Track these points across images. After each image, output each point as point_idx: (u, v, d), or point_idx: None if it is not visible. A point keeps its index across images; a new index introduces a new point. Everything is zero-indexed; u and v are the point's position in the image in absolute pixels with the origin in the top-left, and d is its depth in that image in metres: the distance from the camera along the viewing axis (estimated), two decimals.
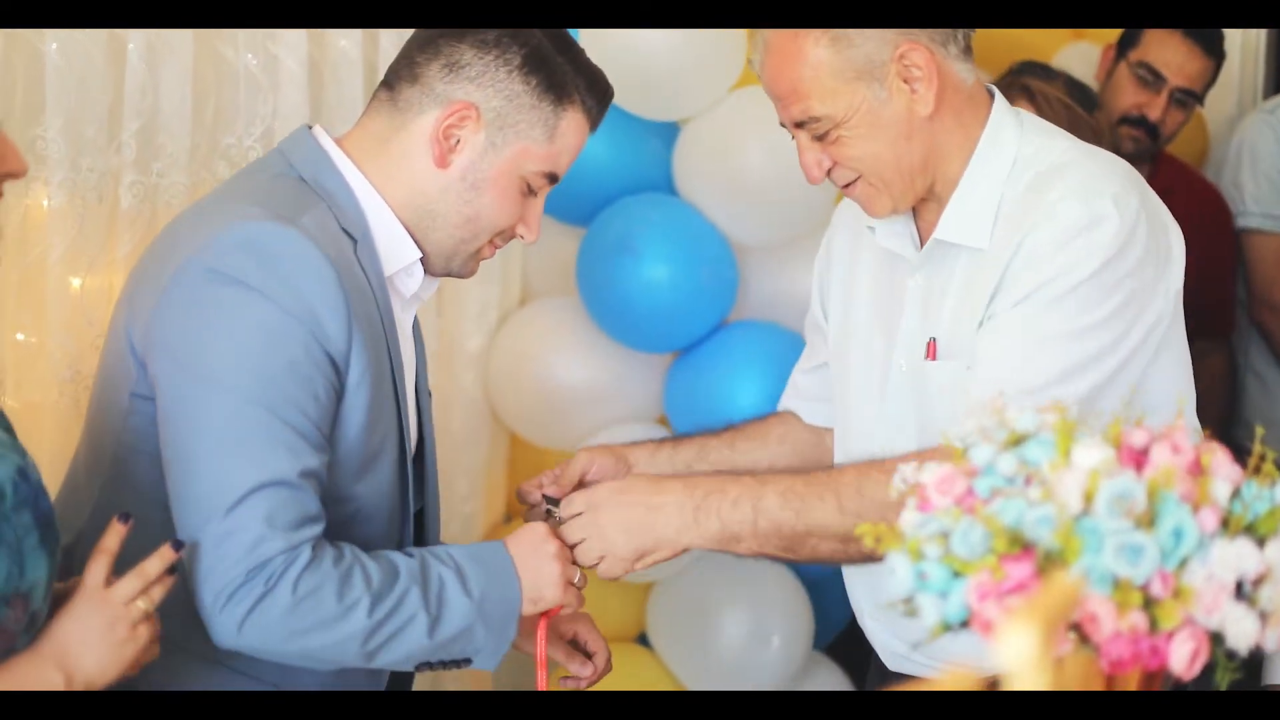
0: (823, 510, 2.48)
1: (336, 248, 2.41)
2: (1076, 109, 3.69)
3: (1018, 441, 1.91)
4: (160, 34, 2.98)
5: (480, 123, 2.51)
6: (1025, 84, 3.72)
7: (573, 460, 2.84)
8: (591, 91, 2.58)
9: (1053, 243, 2.43)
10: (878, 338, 2.72)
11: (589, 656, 2.78)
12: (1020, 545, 1.79)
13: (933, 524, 1.87)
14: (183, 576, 2.27)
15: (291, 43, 3.18)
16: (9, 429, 1.97)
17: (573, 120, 2.57)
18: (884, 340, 2.70)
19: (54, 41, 2.84)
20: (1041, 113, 3.61)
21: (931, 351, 2.60)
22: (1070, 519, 1.77)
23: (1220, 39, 4.35)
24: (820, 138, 2.53)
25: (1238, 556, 1.77)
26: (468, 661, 2.47)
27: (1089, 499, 1.78)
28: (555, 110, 2.54)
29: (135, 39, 2.95)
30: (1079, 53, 4.64)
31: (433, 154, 2.52)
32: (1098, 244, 2.41)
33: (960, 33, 2.52)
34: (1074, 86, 3.81)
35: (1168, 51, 4.22)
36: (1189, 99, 4.25)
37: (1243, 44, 5.09)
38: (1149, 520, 1.78)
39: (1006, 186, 2.53)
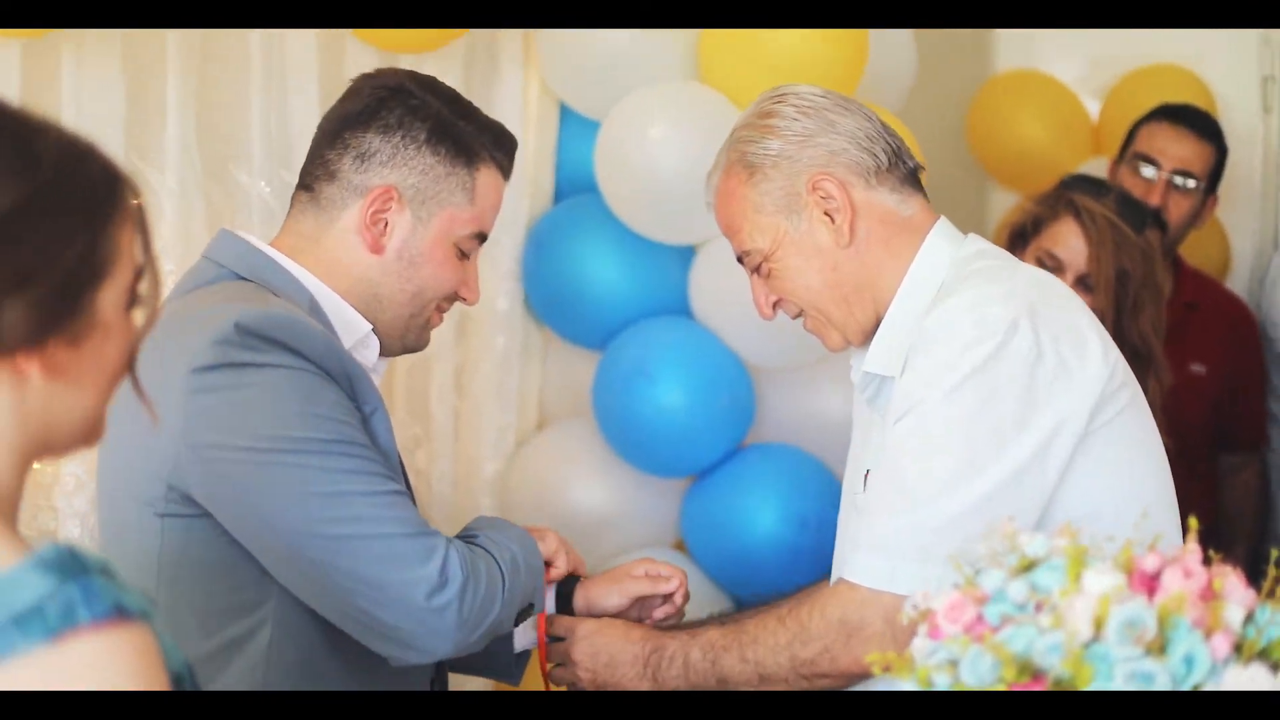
0: (729, 661, 2.56)
1: (302, 315, 2.50)
2: (1124, 228, 3.63)
3: (1028, 567, 1.89)
4: (177, 166, 3.01)
5: (403, 202, 2.60)
6: (1072, 200, 3.67)
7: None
8: (499, 146, 2.68)
9: (917, 362, 2.44)
10: (851, 465, 2.79)
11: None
12: (1030, 673, 1.76)
13: (941, 652, 1.84)
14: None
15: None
16: None
17: (488, 177, 2.66)
18: (852, 472, 2.78)
19: None
20: (1085, 229, 3.60)
21: (867, 481, 2.61)
22: (1080, 646, 1.75)
23: (1214, 123, 4.39)
24: (757, 270, 2.63)
25: (1251, 682, 1.74)
26: (530, 610, 2.67)
27: (1099, 625, 1.76)
28: (469, 172, 2.63)
29: (155, 177, 2.97)
30: (1097, 168, 4.62)
31: (365, 243, 2.60)
32: (952, 359, 2.39)
33: (891, 163, 2.58)
34: (1126, 204, 3.77)
35: (1158, 139, 4.25)
36: (1188, 180, 4.24)
37: (1264, 157, 5.09)
38: (1160, 647, 1.75)
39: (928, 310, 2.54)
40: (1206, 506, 4.25)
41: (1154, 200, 4.19)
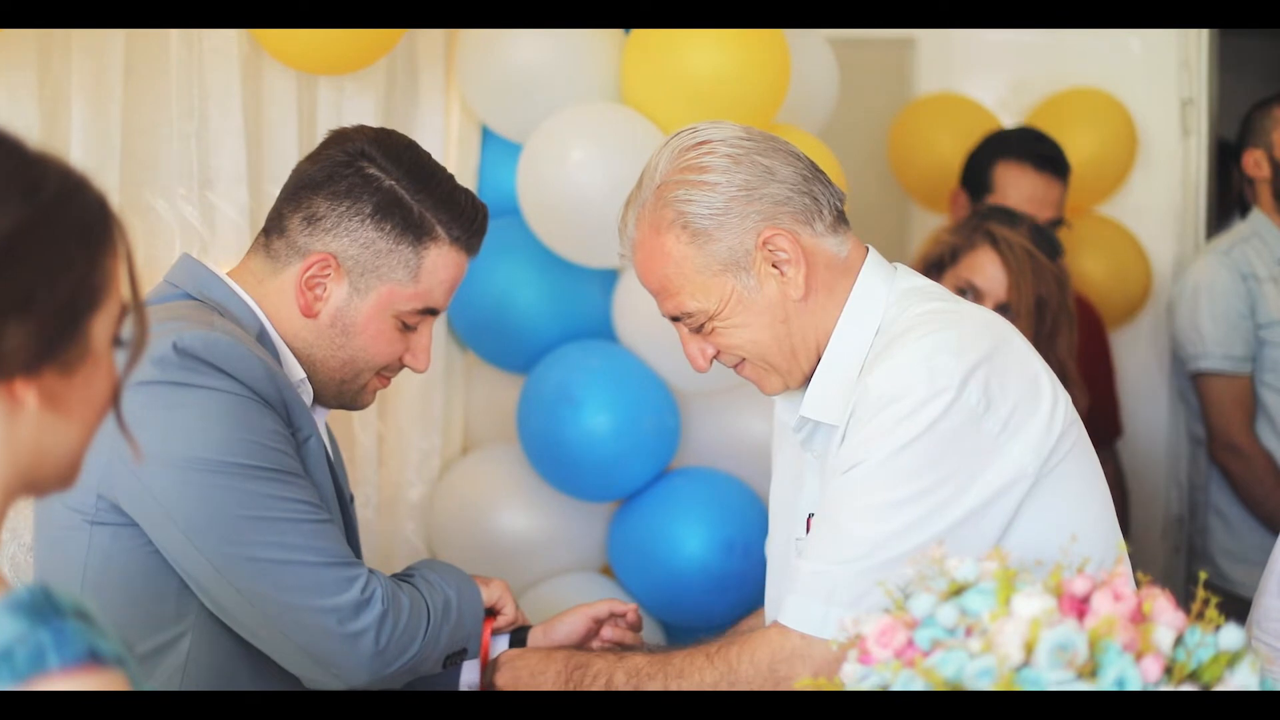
0: (652, 686, 2.55)
1: (246, 339, 2.51)
2: (1039, 255, 3.69)
3: (958, 591, 1.88)
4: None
5: (341, 272, 2.61)
6: (989, 229, 3.72)
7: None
8: (457, 223, 2.65)
9: (861, 419, 2.41)
10: (784, 507, 2.75)
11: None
12: None
13: (873, 677, 1.84)
14: None
15: (229, 190, 3.17)
16: None
17: (438, 256, 2.64)
18: (782, 511, 2.76)
19: None
20: (1004, 258, 3.63)
21: (809, 526, 2.59)
22: (1011, 670, 1.75)
23: (1062, 155, 4.42)
24: (698, 330, 2.56)
25: None
26: (463, 654, 2.71)
27: (1030, 649, 1.76)
28: (415, 250, 2.62)
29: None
30: None
31: (299, 305, 2.61)
32: (900, 417, 2.36)
33: (827, 205, 2.53)
34: (1038, 233, 3.81)
35: (1025, 190, 4.31)
36: (1056, 226, 4.26)
37: (1183, 180, 5.14)
38: (1091, 670, 1.75)
39: (868, 355, 2.50)
40: None
41: None
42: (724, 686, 2.47)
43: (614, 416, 3.47)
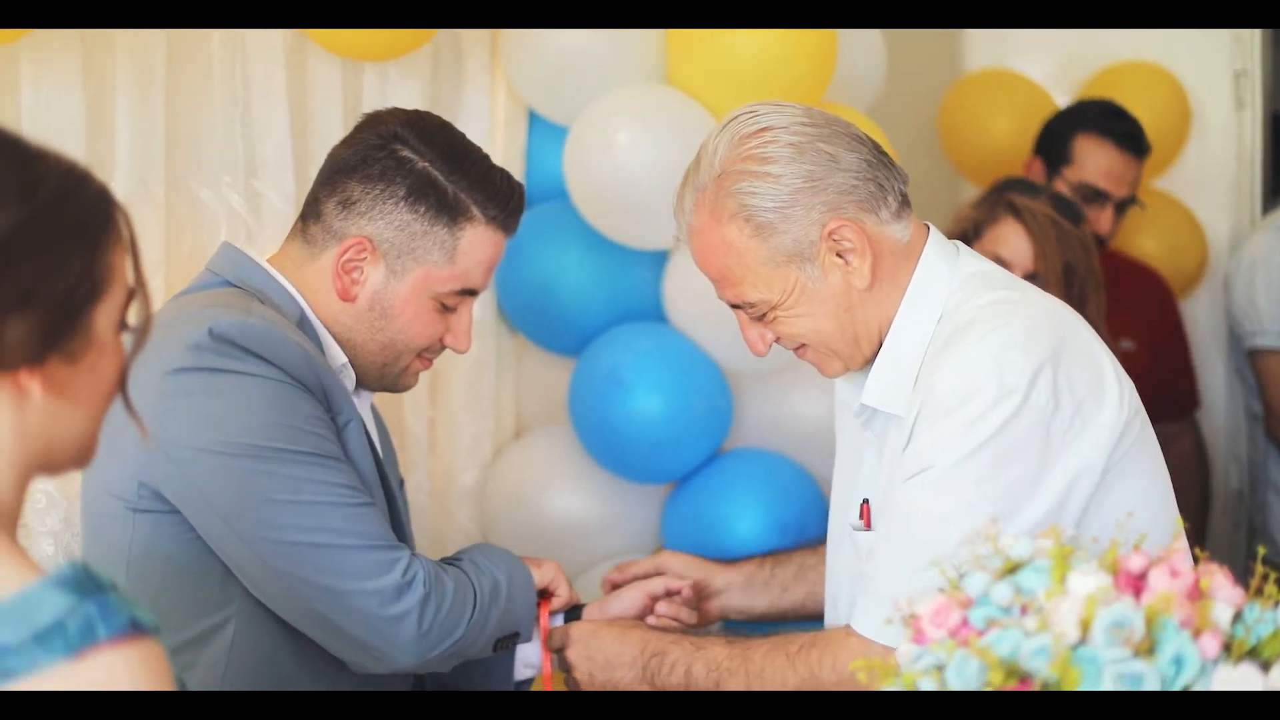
0: (732, 684, 2.56)
1: (285, 325, 2.53)
2: (1063, 223, 3.68)
3: (1012, 569, 1.87)
4: (136, 172, 2.99)
5: (377, 255, 2.61)
6: (1010, 200, 3.70)
7: (651, 559, 3.01)
8: (492, 202, 2.64)
9: (929, 420, 2.38)
10: (843, 487, 2.73)
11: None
12: (1017, 677, 1.74)
13: (928, 657, 1.82)
14: None
15: (275, 178, 3.18)
16: None
17: (474, 237, 2.64)
18: (842, 492, 2.72)
19: None
20: (1028, 228, 3.61)
21: (865, 515, 2.57)
22: (1067, 649, 1.73)
23: (1143, 134, 4.36)
24: (759, 318, 2.53)
25: (1242, 681, 1.71)
26: (515, 638, 2.72)
27: (1086, 627, 1.74)
28: (451, 232, 2.62)
29: (118, 182, 2.94)
30: None
31: (336, 289, 2.62)
32: (969, 421, 2.33)
33: (892, 190, 2.48)
34: (1059, 201, 3.80)
35: (1105, 165, 4.22)
36: (1130, 205, 4.24)
37: (1238, 153, 5.10)
38: (1149, 648, 1.73)
39: (931, 343, 2.47)
40: None
41: (1103, 229, 4.20)
42: (807, 689, 2.46)
43: (665, 399, 3.46)
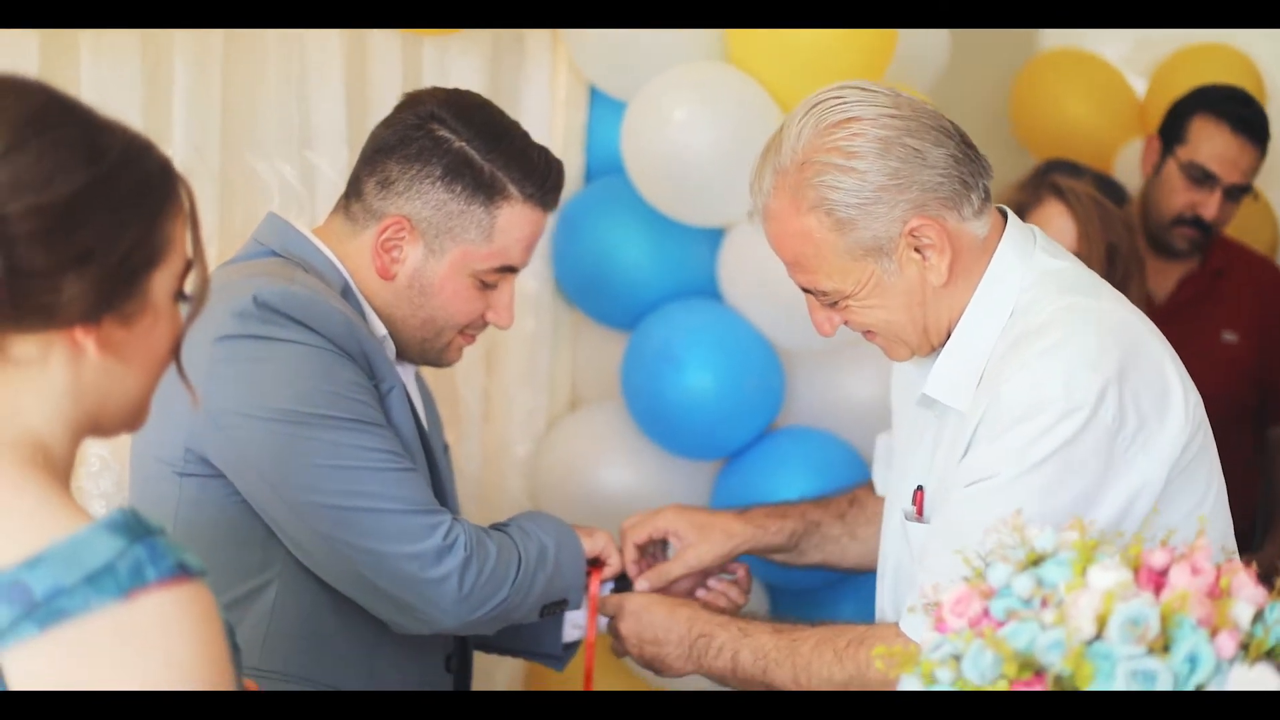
0: (779, 675, 2.56)
1: (328, 293, 2.57)
2: (1106, 204, 3.65)
3: (1036, 561, 1.87)
4: (193, 143, 3.02)
5: (415, 234, 2.65)
6: (1054, 182, 3.68)
7: (658, 515, 2.97)
8: (529, 179, 2.67)
9: (993, 429, 2.34)
10: (900, 465, 2.70)
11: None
12: (1032, 670, 1.75)
13: (946, 646, 1.83)
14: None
15: (327, 150, 3.20)
16: None
17: (512, 215, 2.67)
18: (900, 472, 2.69)
19: None
20: (1072, 209, 3.59)
21: (919, 503, 2.55)
22: (1081, 644, 1.73)
23: (1265, 123, 4.28)
24: (831, 305, 2.50)
25: (1257, 681, 1.71)
26: (564, 604, 2.76)
27: (1102, 623, 1.74)
28: (488, 210, 2.65)
29: (175, 153, 2.97)
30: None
31: (376, 267, 2.66)
32: (1034, 435, 2.29)
33: (977, 186, 2.43)
34: (1102, 182, 3.80)
35: (1218, 148, 4.16)
36: (1240, 192, 4.19)
37: None
38: (1164, 645, 1.73)
39: (1000, 340, 2.43)
40: (1249, 481, 4.22)
41: (1209, 214, 4.15)
42: (854, 687, 2.46)
43: (716, 376, 3.47)
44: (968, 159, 2.43)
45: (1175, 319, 3.80)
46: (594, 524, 3.39)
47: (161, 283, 1.71)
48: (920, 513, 2.55)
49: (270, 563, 2.57)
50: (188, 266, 1.75)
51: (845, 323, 2.53)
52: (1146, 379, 2.35)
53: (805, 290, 2.52)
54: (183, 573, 1.58)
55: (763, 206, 2.48)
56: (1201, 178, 4.13)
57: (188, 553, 1.61)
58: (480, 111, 2.69)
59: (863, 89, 2.44)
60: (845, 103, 2.42)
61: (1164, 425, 2.34)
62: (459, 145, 2.64)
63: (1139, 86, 5.04)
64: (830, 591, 3.50)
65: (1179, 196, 4.15)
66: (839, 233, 2.40)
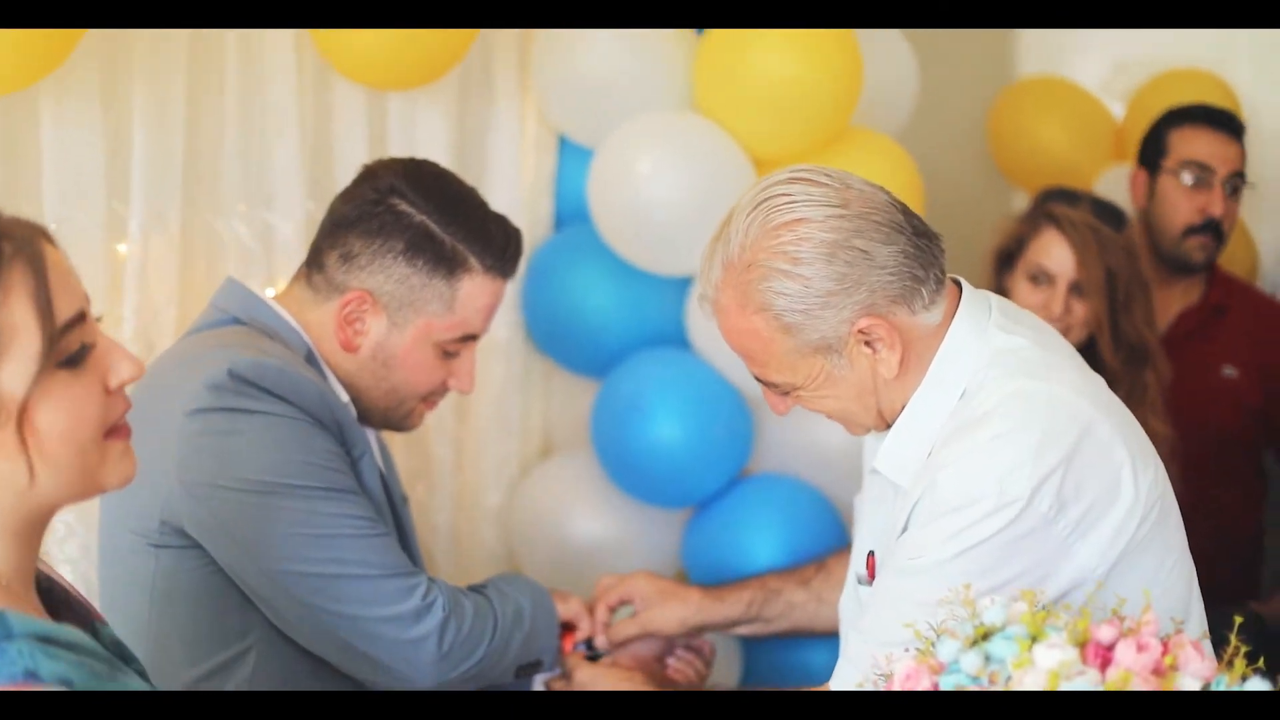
0: None
1: (298, 362, 2.60)
2: (1103, 229, 3.67)
3: (985, 635, 1.87)
4: (155, 207, 3.01)
5: (378, 307, 2.68)
6: (1050, 211, 3.70)
7: (628, 579, 3.05)
8: (489, 251, 2.70)
9: (926, 515, 2.33)
10: (859, 532, 2.72)
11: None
12: None
13: None
14: None
15: (287, 209, 3.20)
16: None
17: (472, 286, 2.70)
18: (860, 533, 2.71)
19: (52, 222, 2.85)
20: (1068, 237, 3.61)
21: (870, 567, 2.56)
22: None
23: (1237, 118, 4.31)
24: (783, 395, 2.50)
25: None
26: (538, 666, 2.78)
27: None
28: (449, 283, 2.68)
29: (134, 215, 2.97)
30: (1121, 174, 4.56)
31: (339, 340, 2.68)
32: (961, 527, 2.27)
33: (929, 277, 2.39)
34: (1100, 207, 3.79)
35: (1202, 145, 4.17)
36: (1238, 183, 4.18)
37: None
38: None
39: (950, 420, 2.40)
40: (1248, 518, 4.21)
41: (1216, 210, 4.14)
42: None
43: (684, 425, 3.47)
44: (919, 250, 2.39)
45: (1174, 353, 3.82)
46: (567, 570, 3.43)
47: (11, 374, 1.66)
48: (871, 576, 2.55)
49: (248, 630, 2.59)
50: (58, 330, 1.69)
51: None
52: (1092, 466, 2.31)
53: (757, 380, 2.52)
54: (27, 680, 1.56)
55: (712, 302, 2.47)
56: (1198, 173, 4.13)
57: (58, 661, 1.58)
58: (438, 183, 2.71)
59: (812, 182, 2.39)
60: (793, 201, 2.38)
61: (1110, 510, 2.32)
62: (420, 219, 2.66)
63: (1117, 111, 5.03)
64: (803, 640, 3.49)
65: (1182, 205, 4.15)
66: (786, 334, 2.38)
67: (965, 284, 2.51)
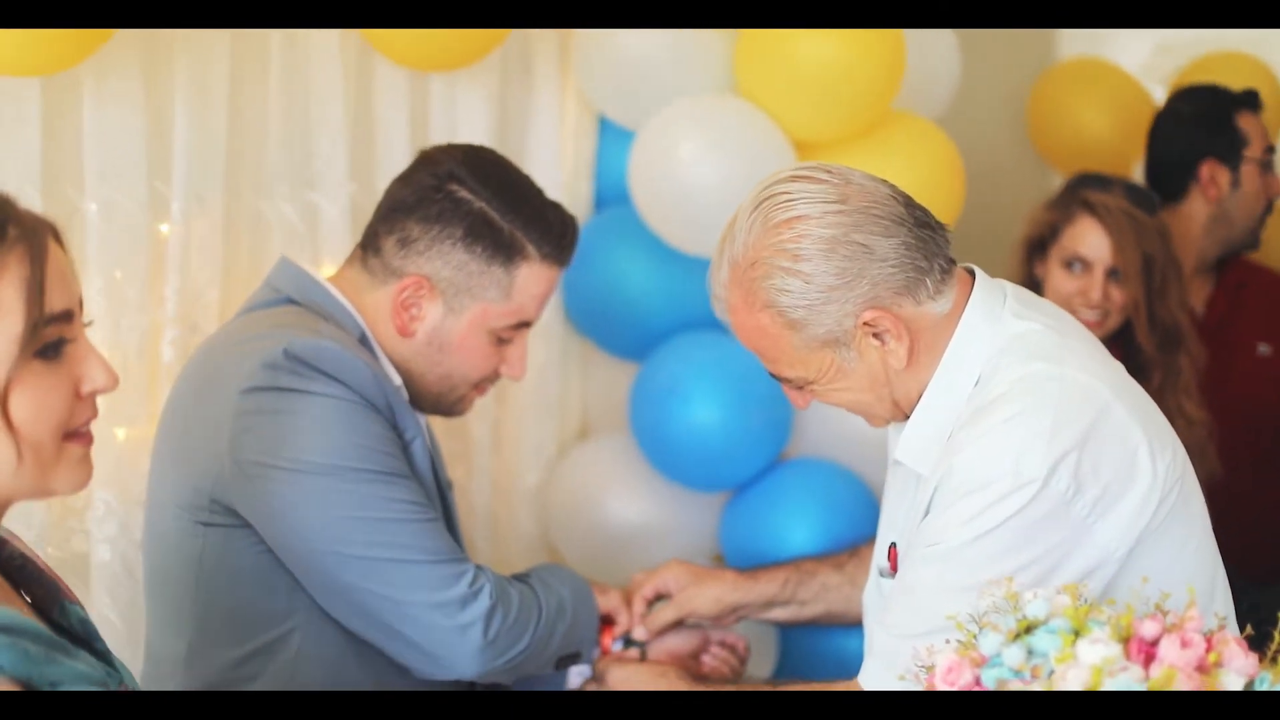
0: None
1: (352, 344, 2.61)
2: (1138, 214, 3.68)
3: (1028, 628, 1.87)
4: (197, 188, 3.01)
5: (435, 293, 2.69)
6: (1084, 197, 3.71)
7: (660, 570, 3.05)
8: (546, 239, 2.71)
9: (944, 499, 2.35)
10: (882, 523, 2.73)
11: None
12: None
13: None
14: None
15: (331, 190, 3.19)
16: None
17: (529, 274, 2.72)
18: (884, 524, 2.72)
19: (93, 202, 2.87)
20: (1104, 224, 3.62)
21: (892, 559, 2.58)
22: None
23: (1253, 91, 4.35)
24: (798, 389, 2.53)
25: None
26: (577, 657, 2.79)
27: None
28: (507, 270, 2.69)
29: (177, 197, 2.97)
30: None
31: (395, 325, 2.69)
32: (979, 509, 2.30)
33: (933, 266, 2.42)
34: (1133, 192, 3.81)
35: (1264, 129, 4.23)
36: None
37: None
38: None
39: (966, 406, 2.43)
40: None
41: (1276, 190, 4.20)
42: None
43: (722, 409, 3.47)
44: (921, 242, 2.42)
45: (1208, 340, 3.82)
46: (603, 554, 3.43)
47: None
48: (894, 568, 2.57)
49: (294, 611, 2.61)
50: (45, 320, 1.71)
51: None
52: (1108, 447, 2.34)
53: (772, 376, 2.55)
54: None
55: (722, 301, 2.51)
56: (1270, 157, 4.18)
57: (11, 652, 1.59)
58: (497, 170, 2.72)
59: (811, 179, 2.43)
60: (792, 199, 2.42)
61: (1128, 491, 2.34)
62: (479, 206, 2.67)
63: (1158, 94, 5.00)
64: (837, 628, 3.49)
65: (1260, 191, 4.22)
66: (792, 330, 2.43)
67: (979, 272, 2.53)
